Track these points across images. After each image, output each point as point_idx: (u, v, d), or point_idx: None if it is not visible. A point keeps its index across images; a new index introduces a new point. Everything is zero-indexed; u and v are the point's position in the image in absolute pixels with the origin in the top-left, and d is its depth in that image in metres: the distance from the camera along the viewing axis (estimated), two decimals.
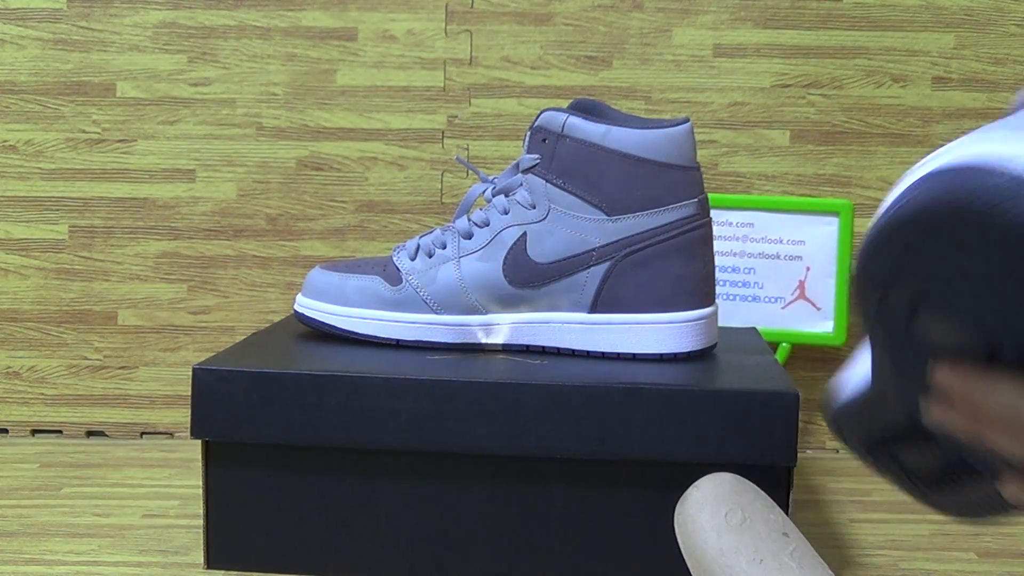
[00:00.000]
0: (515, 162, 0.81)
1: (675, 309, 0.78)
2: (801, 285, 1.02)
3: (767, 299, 1.03)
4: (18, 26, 1.07)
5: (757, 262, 1.03)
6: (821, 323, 1.02)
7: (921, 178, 0.45)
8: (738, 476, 0.67)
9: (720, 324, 1.03)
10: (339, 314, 0.81)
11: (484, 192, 0.82)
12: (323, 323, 0.82)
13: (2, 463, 1.00)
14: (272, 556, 0.74)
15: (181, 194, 1.08)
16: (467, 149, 1.07)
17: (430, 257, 0.80)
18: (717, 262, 1.04)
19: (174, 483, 0.94)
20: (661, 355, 0.78)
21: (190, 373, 1.09)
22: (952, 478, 0.61)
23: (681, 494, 0.72)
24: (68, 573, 0.74)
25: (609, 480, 0.73)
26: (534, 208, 0.79)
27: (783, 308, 1.03)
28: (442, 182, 1.08)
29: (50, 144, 1.08)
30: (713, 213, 1.03)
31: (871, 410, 0.58)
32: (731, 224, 1.03)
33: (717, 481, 0.66)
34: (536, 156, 0.79)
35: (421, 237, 0.82)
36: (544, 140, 0.79)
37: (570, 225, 0.78)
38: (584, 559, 0.73)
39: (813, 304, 1.02)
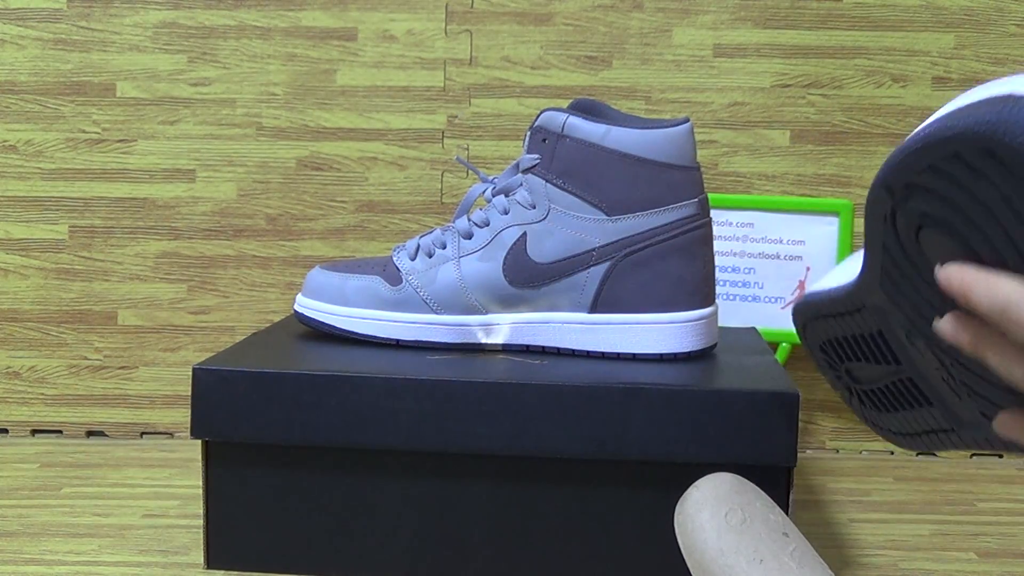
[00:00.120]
0: (515, 162, 0.81)
1: (675, 309, 0.78)
2: (801, 285, 1.02)
3: (767, 299, 1.03)
4: (18, 26, 1.07)
5: (757, 262, 1.03)
6: None
7: (963, 105, 0.46)
8: (738, 476, 0.67)
9: (720, 324, 1.03)
10: (339, 314, 0.81)
11: (484, 192, 0.82)
12: (323, 323, 0.82)
13: (2, 463, 1.00)
14: (272, 556, 0.74)
15: (181, 194, 1.08)
16: (467, 149, 1.07)
17: (430, 257, 0.80)
18: (717, 262, 1.04)
19: (174, 483, 0.94)
20: (661, 355, 0.78)
21: (190, 373, 1.09)
22: (899, 402, 0.61)
23: (681, 494, 0.72)
24: (68, 573, 0.74)
25: (609, 480, 0.73)
26: (534, 208, 0.79)
27: (783, 308, 1.03)
28: (442, 182, 1.08)
29: (50, 144, 1.08)
30: (713, 213, 1.03)
31: (841, 309, 0.59)
32: (731, 224, 1.03)
33: (717, 481, 0.66)
34: (536, 156, 0.79)
35: (421, 237, 0.82)
36: (544, 140, 0.79)
37: (570, 225, 0.78)
38: (584, 559, 0.73)
39: None
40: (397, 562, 0.74)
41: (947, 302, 0.52)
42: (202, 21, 1.06)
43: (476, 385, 0.71)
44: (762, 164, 1.07)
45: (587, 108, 0.81)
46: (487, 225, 0.80)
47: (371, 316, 0.81)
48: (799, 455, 1.07)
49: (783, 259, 1.03)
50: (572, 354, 0.80)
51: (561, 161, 0.78)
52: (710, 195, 1.04)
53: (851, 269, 0.61)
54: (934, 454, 1.08)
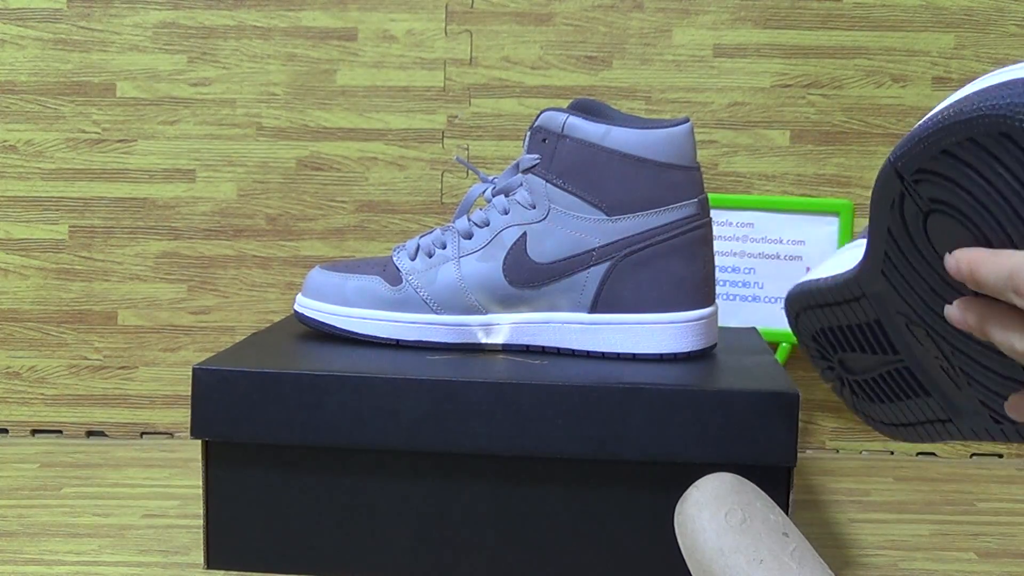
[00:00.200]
0: (515, 162, 0.81)
1: (675, 309, 0.78)
2: None
3: (767, 299, 1.03)
4: (18, 26, 1.07)
5: (757, 262, 1.03)
6: None
7: (978, 90, 0.46)
8: (738, 476, 0.67)
9: (720, 324, 1.03)
10: (339, 314, 0.81)
11: (484, 192, 0.82)
12: (323, 323, 0.82)
13: (2, 463, 1.00)
14: (272, 556, 0.74)
15: (181, 194, 1.08)
16: (467, 149, 1.07)
17: (430, 257, 0.80)
18: (717, 262, 1.04)
19: (174, 483, 0.94)
20: (661, 355, 0.78)
21: (190, 373, 1.09)
22: (895, 392, 0.61)
23: (681, 494, 0.72)
24: (68, 573, 0.74)
25: (609, 480, 0.73)
26: (534, 208, 0.79)
27: (783, 308, 1.03)
28: (442, 182, 1.08)
29: (50, 144, 1.08)
30: (713, 213, 1.04)
31: (839, 298, 0.59)
32: (731, 224, 1.03)
33: (717, 481, 0.66)
34: (536, 156, 0.79)
35: (421, 237, 0.82)
36: (544, 140, 0.79)
37: (570, 225, 0.78)
38: (584, 559, 0.73)
39: None
40: (397, 562, 0.74)
41: (952, 287, 0.52)
42: (202, 21, 1.06)
43: (476, 385, 0.71)
44: (762, 164, 1.07)
45: (587, 108, 0.81)
46: (487, 225, 0.80)
47: (371, 316, 0.81)
48: (799, 455, 1.07)
49: (783, 259, 1.03)
50: (572, 354, 0.80)
51: (561, 161, 0.78)
52: (710, 195, 1.04)
53: (848, 258, 0.61)
54: (933, 454, 1.08)
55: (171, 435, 1.10)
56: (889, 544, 0.83)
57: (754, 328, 0.95)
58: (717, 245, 1.03)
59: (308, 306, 0.82)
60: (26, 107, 1.07)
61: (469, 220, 0.81)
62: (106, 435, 1.10)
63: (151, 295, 1.08)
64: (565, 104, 1.07)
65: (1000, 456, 1.08)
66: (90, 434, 1.10)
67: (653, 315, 0.78)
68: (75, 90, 1.07)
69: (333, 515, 0.74)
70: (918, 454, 1.08)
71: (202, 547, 0.76)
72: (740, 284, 1.04)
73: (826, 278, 0.61)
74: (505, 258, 0.79)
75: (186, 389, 1.09)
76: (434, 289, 0.80)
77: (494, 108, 1.07)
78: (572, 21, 1.06)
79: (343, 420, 0.72)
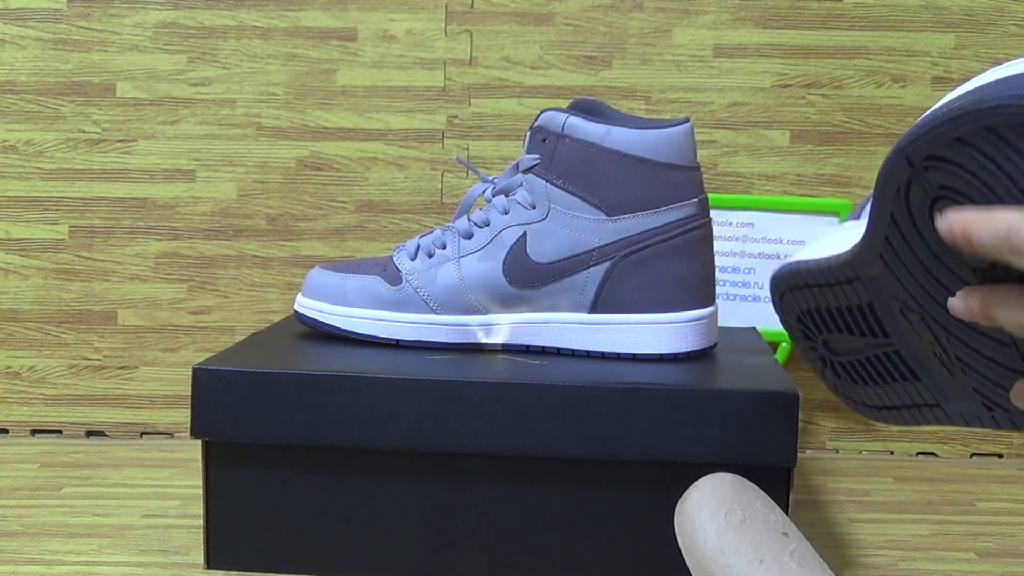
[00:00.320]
0: (515, 162, 0.81)
1: (675, 309, 0.78)
2: None
3: (767, 299, 1.03)
4: (18, 26, 1.07)
5: (757, 262, 1.03)
6: None
7: (997, 79, 0.46)
8: (738, 476, 0.67)
9: (720, 324, 1.03)
10: (339, 314, 0.81)
11: (484, 192, 0.82)
12: (323, 323, 0.82)
13: (2, 463, 1.00)
14: (272, 556, 0.74)
15: (181, 194, 1.08)
16: (467, 149, 1.07)
17: (430, 257, 0.80)
18: (717, 262, 1.04)
19: (174, 483, 0.94)
20: (661, 355, 0.78)
21: (190, 373, 1.09)
22: (881, 375, 0.61)
23: (681, 494, 0.72)
24: (68, 573, 0.74)
25: (609, 480, 0.73)
26: (534, 208, 0.79)
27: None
28: (442, 182, 1.08)
29: (50, 144, 1.08)
30: (713, 213, 1.03)
31: (831, 280, 0.59)
32: (731, 224, 1.03)
33: (717, 481, 0.66)
34: (536, 156, 0.79)
35: (421, 237, 0.82)
36: (544, 140, 0.79)
37: (570, 225, 0.78)
38: (584, 559, 0.73)
39: None
40: (397, 562, 0.74)
41: (955, 275, 0.51)
42: (202, 21, 1.06)
43: (476, 385, 0.71)
44: (762, 164, 1.07)
45: (587, 108, 0.81)
46: (487, 225, 0.80)
47: (371, 316, 0.81)
48: (799, 455, 1.07)
49: (783, 259, 1.03)
50: (572, 354, 0.80)
51: (561, 161, 0.78)
52: (710, 195, 1.04)
53: (840, 240, 0.60)
54: (933, 454, 1.08)
55: (171, 435, 1.10)
56: (889, 544, 0.83)
57: (754, 328, 0.95)
58: (717, 245, 1.03)
59: (308, 306, 0.82)
60: (26, 107, 1.07)
61: (469, 220, 0.81)
62: (106, 435, 1.10)
63: (151, 295, 1.08)
64: (565, 104, 1.07)
65: (1000, 456, 1.08)
66: (90, 434, 1.10)
67: (653, 315, 0.78)
68: (75, 90, 1.07)
69: (333, 515, 0.74)
70: (918, 454, 1.08)
71: (202, 547, 0.76)
72: (740, 284, 1.04)
73: (817, 259, 0.60)
74: (505, 258, 0.79)
75: (186, 389, 1.09)
76: (434, 289, 0.80)
77: (494, 108, 1.07)
78: (572, 21, 1.06)
79: (343, 420, 0.72)
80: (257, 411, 0.72)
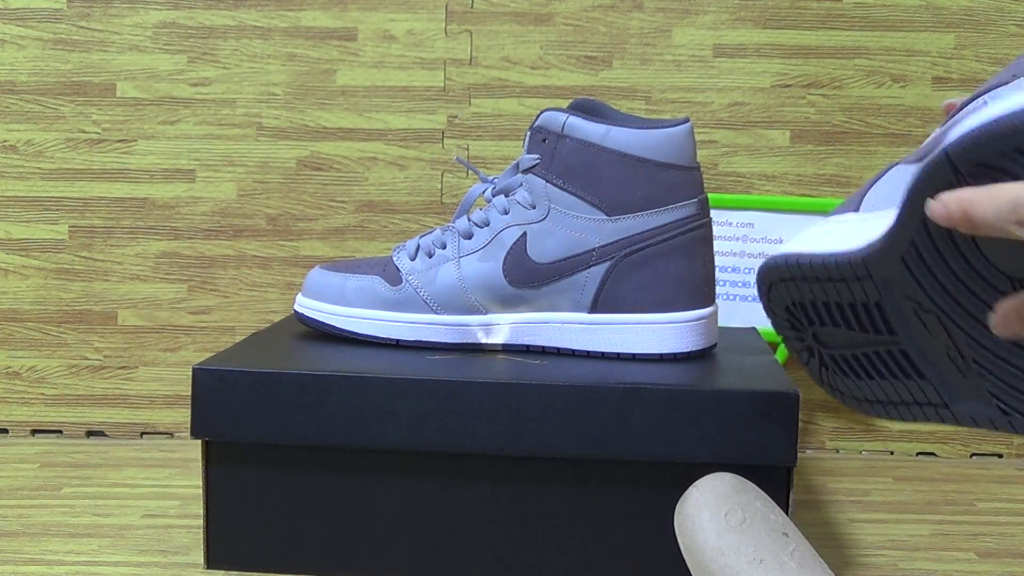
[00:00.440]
0: (515, 162, 0.81)
1: (675, 309, 0.78)
2: None
3: None
4: (18, 26, 1.07)
5: (757, 262, 1.03)
6: None
7: None
8: (738, 476, 0.67)
9: (720, 324, 1.03)
10: (339, 314, 0.81)
11: (484, 192, 0.82)
12: (323, 323, 0.82)
13: (2, 463, 1.00)
14: (272, 556, 0.74)
15: (181, 194, 1.08)
16: (467, 149, 1.07)
17: (430, 257, 0.80)
18: (717, 262, 1.04)
19: (174, 483, 0.94)
20: (661, 355, 0.78)
21: (190, 373, 1.09)
22: (879, 371, 0.59)
23: (681, 494, 0.72)
24: (68, 573, 0.74)
25: (609, 480, 0.73)
26: (534, 208, 0.79)
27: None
28: (442, 182, 1.08)
29: (50, 144, 1.08)
30: (713, 213, 1.04)
31: (836, 276, 0.56)
32: (731, 224, 1.03)
33: (717, 481, 0.66)
34: (536, 156, 0.79)
35: (421, 237, 0.82)
36: (544, 140, 0.79)
37: (570, 225, 0.78)
38: (584, 559, 0.73)
39: None
40: (397, 562, 0.74)
41: (990, 285, 0.50)
42: (202, 21, 1.06)
43: (476, 385, 0.71)
44: (762, 164, 1.07)
45: (587, 108, 0.81)
46: (487, 225, 0.80)
47: (371, 316, 0.81)
48: (799, 455, 1.07)
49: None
50: (572, 354, 0.80)
51: (561, 161, 0.78)
52: (710, 195, 1.04)
53: (841, 233, 0.58)
54: (933, 454, 1.08)
55: (171, 435, 1.10)
56: (889, 544, 0.83)
57: (754, 328, 0.95)
58: (717, 245, 1.03)
59: (308, 306, 0.82)
60: (26, 107, 1.07)
61: (469, 220, 0.81)
62: (106, 435, 1.10)
63: (151, 295, 1.08)
64: (565, 104, 1.07)
65: (1000, 456, 1.08)
66: (90, 434, 1.10)
67: (653, 315, 0.78)
68: (75, 90, 1.07)
69: (333, 515, 0.74)
70: (918, 454, 1.08)
71: (202, 547, 0.76)
72: (740, 284, 1.04)
73: (819, 254, 0.58)
74: (505, 258, 0.79)
75: (186, 389, 1.09)
76: (434, 289, 0.80)
77: (494, 108, 1.07)
78: (572, 21, 1.06)
79: (343, 420, 0.72)
80: (257, 411, 0.72)
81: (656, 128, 0.78)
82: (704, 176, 1.06)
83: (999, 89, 0.53)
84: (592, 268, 0.78)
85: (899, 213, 0.52)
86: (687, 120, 0.78)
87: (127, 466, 0.99)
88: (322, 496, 0.74)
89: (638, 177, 0.77)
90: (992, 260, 0.50)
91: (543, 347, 0.80)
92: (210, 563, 0.75)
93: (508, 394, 0.71)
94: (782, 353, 1.03)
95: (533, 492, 0.73)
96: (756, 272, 0.63)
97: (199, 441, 1.02)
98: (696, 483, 0.66)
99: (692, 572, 0.64)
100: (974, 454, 1.08)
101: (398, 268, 0.81)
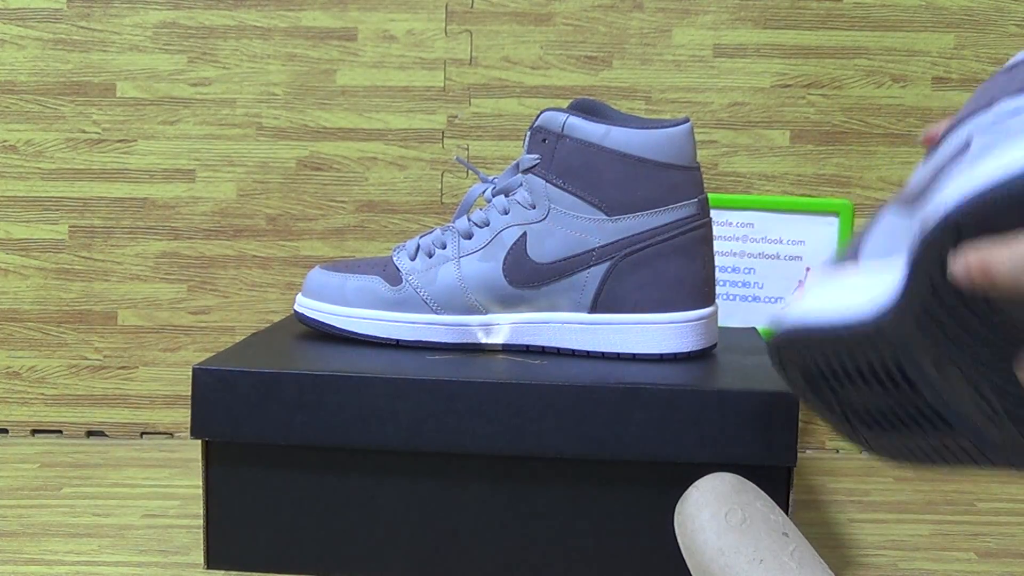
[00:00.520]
0: (515, 162, 0.81)
1: (675, 309, 0.78)
2: (801, 285, 1.02)
3: (767, 299, 1.03)
4: (18, 26, 1.07)
5: (757, 262, 1.03)
6: None
7: None
8: (738, 476, 0.67)
9: (720, 324, 1.03)
10: (339, 314, 0.81)
11: (484, 192, 0.82)
12: (323, 323, 0.82)
13: (2, 463, 1.00)
14: (272, 556, 0.74)
15: (181, 194, 1.08)
16: (467, 149, 1.07)
17: (430, 257, 0.80)
18: (717, 262, 1.04)
19: (174, 483, 0.94)
20: (661, 355, 0.78)
21: (190, 373, 1.09)
22: (905, 423, 0.57)
23: (681, 494, 0.72)
24: (68, 573, 0.74)
25: (609, 480, 0.73)
26: (534, 208, 0.79)
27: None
28: (442, 182, 1.08)
29: (50, 144, 1.08)
30: (713, 213, 1.04)
31: (849, 341, 0.54)
32: (731, 224, 1.03)
33: (717, 481, 0.66)
34: (536, 156, 0.79)
35: (421, 237, 0.82)
36: (544, 140, 0.79)
37: (570, 225, 0.78)
38: (584, 559, 0.73)
39: None
40: (397, 562, 0.74)
41: (1008, 338, 0.47)
42: (202, 21, 1.06)
43: (476, 385, 0.71)
44: (762, 164, 1.07)
45: (587, 108, 0.81)
46: (487, 225, 0.80)
47: (371, 316, 0.81)
48: (799, 455, 1.07)
49: (783, 259, 1.03)
50: (572, 354, 0.80)
51: (561, 161, 0.78)
52: (710, 195, 1.04)
53: (849, 293, 0.55)
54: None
55: (171, 435, 1.10)
56: (889, 544, 0.83)
57: (754, 328, 0.95)
58: (717, 245, 1.04)
59: (308, 306, 0.82)
60: (26, 107, 1.07)
61: (469, 220, 0.81)
62: (106, 435, 1.10)
63: (151, 295, 1.08)
64: (565, 104, 1.07)
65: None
66: (90, 434, 1.10)
67: (653, 315, 0.78)
68: (75, 90, 1.07)
69: (333, 515, 0.74)
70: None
71: (202, 547, 0.76)
72: (740, 284, 1.04)
73: (827, 321, 0.55)
74: (505, 258, 0.79)
75: (186, 389, 1.09)
76: (434, 289, 0.80)
77: (494, 108, 1.07)
78: (572, 21, 1.06)
79: (343, 420, 0.72)
80: (257, 411, 0.72)
81: (656, 128, 0.78)
82: (704, 176, 1.06)
83: (980, 120, 0.51)
84: (592, 268, 0.78)
85: (905, 280, 0.50)
86: (687, 120, 0.78)
87: (127, 466, 0.99)
88: (322, 496, 0.74)
89: (638, 177, 0.77)
90: (1009, 314, 0.47)
91: (543, 347, 0.80)
92: (210, 563, 0.75)
93: (508, 394, 0.71)
94: None
95: (533, 492, 0.73)
96: (768, 347, 0.60)
97: (199, 441, 1.02)
98: (696, 483, 0.66)
99: (692, 572, 0.64)
100: None
101: (398, 268, 0.81)
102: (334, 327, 0.81)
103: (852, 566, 0.78)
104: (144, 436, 1.10)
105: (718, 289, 1.04)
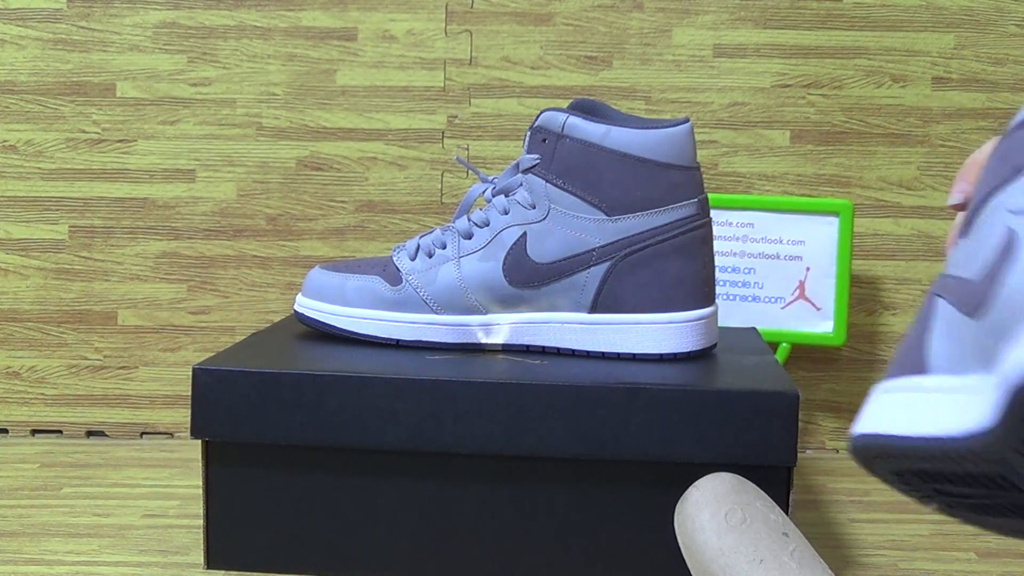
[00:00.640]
0: (515, 162, 0.81)
1: (675, 309, 0.78)
2: (801, 285, 1.02)
3: (767, 299, 1.03)
4: (18, 26, 1.07)
5: (757, 262, 1.03)
6: (821, 323, 1.02)
7: None
8: (738, 476, 0.67)
9: (720, 324, 1.03)
10: (339, 314, 0.81)
11: (484, 192, 0.82)
12: (323, 323, 0.82)
13: (2, 463, 1.00)
14: (272, 556, 0.74)
15: (181, 194, 1.08)
16: (467, 149, 1.07)
17: (430, 257, 0.80)
18: (717, 262, 1.04)
19: (174, 483, 0.94)
20: (661, 355, 0.78)
21: (190, 373, 1.09)
22: (1013, 511, 0.56)
23: (681, 494, 0.72)
24: (68, 573, 0.74)
25: (609, 480, 0.73)
26: (534, 208, 0.79)
27: (783, 308, 1.03)
28: (442, 182, 1.08)
29: (50, 144, 1.08)
30: (713, 213, 1.04)
31: (941, 460, 0.53)
32: (731, 224, 1.03)
33: (717, 481, 0.66)
34: (536, 156, 0.79)
35: (421, 237, 0.82)
36: (544, 140, 0.79)
37: (570, 225, 0.78)
38: (584, 559, 0.73)
39: (813, 304, 1.02)
40: (397, 562, 0.74)
41: None
42: (202, 21, 1.06)
43: (476, 385, 0.71)
44: (762, 164, 1.07)
45: (587, 108, 0.81)
46: (487, 225, 0.80)
47: (371, 316, 0.81)
48: (799, 455, 1.07)
49: (783, 259, 1.03)
50: (572, 354, 0.80)
51: (561, 161, 0.78)
52: (710, 195, 1.04)
53: (933, 411, 0.52)
54: None
55: (171, 435, 1.10)
56: (889, 544, 0.83)
57: (754, 328, 0.95)
58: (717, 245, 1.04)
59: (308, 306, 0.82)
60: (26, 107, 1.07)
61: (469, 220, 0.81)
62: (106, 435, 1.10)
63: (151, 295, 1.08)
64: (565, 104, 1.07)
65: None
66: (90, 434, 1.10)
67: (653, 315, 0.78)
68: (75, 90, 1.07)
69: (333, 515, 0.74)
70: None
71: (202, 547, 0.76)
72: (740, 284, 1.04)
73: (913, 437, 0.52)
74: (505, 258, 0.79)
75: (186, 389, 1.09)
76: (434, 289, 0.80)
77: (494, 108, 1.07)
78: (572, 21, 1.06)
79: (343, 420, 0.72)
80: (257, 411, 0.72)
81: (656, 128, 0.78)
82: (704, 176, 1.06)
83: (1014, 198, 0.49)
84: (592, 268, 0.78)
85: (1000, 416, 0.48)
86: (687, 120, 0.78)
87: (127, 466, 0.99)
88: (322, 496, 0.74)
89: (638, 177, 0.77)
90: None
91: (543, 347, 0.80)
92: (210, 563, 0.75)
93: (508, 394, 0.71)
94: (782, 353, 1.03)
95: (533, 492, 0.73)
96: (850, 451, 0.58)
97: (199, 441, 1.02)
98: (696, 483, 0.66)
99: (692, 572, 0.64)
100: None
101: (398, 268, 0.81)
102: (334, 327, 0.81)
103: (852, 566, 0.78)
104: (144, 436, 1.10)
105: (718, 289, 1.04)
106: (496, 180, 0.82)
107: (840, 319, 1.01)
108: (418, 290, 0.80)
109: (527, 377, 0.72)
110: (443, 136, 1.07)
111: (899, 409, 0.54)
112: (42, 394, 1.09)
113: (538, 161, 0.79)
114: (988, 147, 0.55)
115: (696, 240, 0.79)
